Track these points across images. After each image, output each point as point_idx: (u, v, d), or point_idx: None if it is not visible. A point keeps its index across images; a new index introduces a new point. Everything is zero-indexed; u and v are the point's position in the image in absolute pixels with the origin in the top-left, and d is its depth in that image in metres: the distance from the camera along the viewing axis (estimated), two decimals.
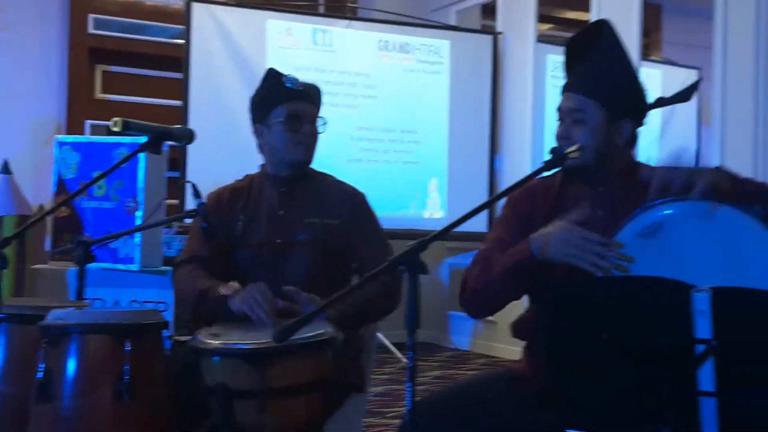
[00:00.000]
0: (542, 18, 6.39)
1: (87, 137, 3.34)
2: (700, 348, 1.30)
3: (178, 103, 5.49)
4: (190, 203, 3.15)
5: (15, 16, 5.82)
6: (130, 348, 1.90)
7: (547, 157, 1.91)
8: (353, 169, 5.58)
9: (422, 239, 1.70)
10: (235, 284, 2.26)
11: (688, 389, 1.34)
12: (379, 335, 5.28)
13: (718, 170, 1.77)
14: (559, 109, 2.05)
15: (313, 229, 2.45)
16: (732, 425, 1.35)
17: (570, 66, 2.09)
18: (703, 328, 1.29)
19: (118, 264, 3.13)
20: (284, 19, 5.68)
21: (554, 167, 1.89)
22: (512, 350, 5.40)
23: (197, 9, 5.41)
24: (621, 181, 2.01)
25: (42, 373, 1.88)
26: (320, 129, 2.51)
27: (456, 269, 6.33)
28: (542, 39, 6.25)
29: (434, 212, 5.80)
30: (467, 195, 5.77)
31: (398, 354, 5.40)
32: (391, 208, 5.67)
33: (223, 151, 5.05)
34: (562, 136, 2.01)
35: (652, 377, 1.38)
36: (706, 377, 1.33)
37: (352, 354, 2.40)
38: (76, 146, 3.24)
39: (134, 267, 3.14)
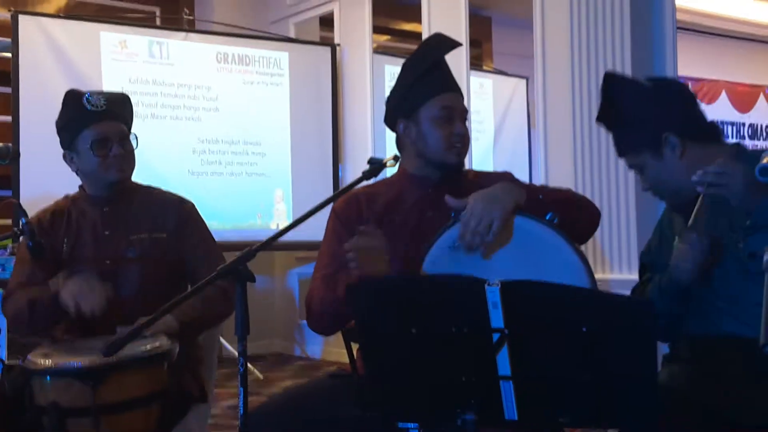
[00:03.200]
0: (379, 30, 6.62)
1: None
2: (496, 336, 1.45)
3: (7, 118, 5.29)
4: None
5: None
6: None
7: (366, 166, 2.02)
8: (196, 182, 5.56)
9: (248, 249, 1.78)
10: (59, 280, 2.24)
11: (489, 375, 1.49)
12: (230, 348, 5.29)
13: (514, 187, 1.92)
14: (449, 108, 2.11)
15: (141, 244, 2.45)
16: (528, 404, 1.51)
17: (435, 70, 2.14)
18: (497, 318, 1.44)
19: None
20: (118, 31, 5.57)
21: (373, 176, 2.00)
22: None
23: (24, 21, 5.23)
24: (453, 181, 2.15)
25: None
26: (133, 145, 2.49)
27: (305, 279, 6.40)
28: (380, 50, 6.46)
29: (281, 222, 5.86)
30: (312, 204, 5.77)
31: (250, 366, 5.42)
32: (237, 220, 5.69)
33: (58, 168, 4.84)
34: (462, 134, 2.10)
35: (458, 366, 1.51)
36: (503, 363, 1.48)
37: (191, 365, 2.43)
38: None
39: None
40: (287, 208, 5.95)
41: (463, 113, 2.16)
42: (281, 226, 5.94)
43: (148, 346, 1.99)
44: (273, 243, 1.92)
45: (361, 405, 1.68)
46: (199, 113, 5.74)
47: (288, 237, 2.02)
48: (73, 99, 2.46)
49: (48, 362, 1.95)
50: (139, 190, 2.57)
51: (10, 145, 2.32)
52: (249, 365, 5.62)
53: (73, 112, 2.45)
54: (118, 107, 2.50)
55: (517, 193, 1.88)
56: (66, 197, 2.56)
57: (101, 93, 2.48)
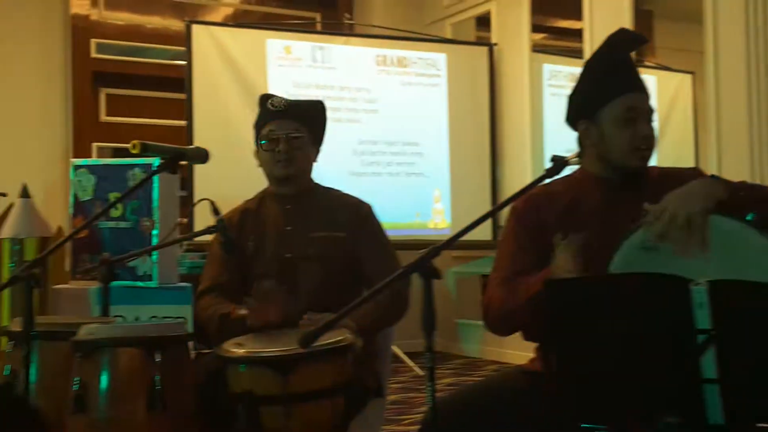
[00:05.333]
0: (536, 28, 6.52)
1: (101, 160, 3.44)
2: (701, 338, 1.40)
3: (181, 123, 5.61)
4: (200, 221, 3.25)
5: (19, 45, 5.94)
6: (159, 359, 1.99)
7: (548, 164, 1.98)
8: (356, 183, 5.68)
9: (434, 246, 1.79)
10: (249, 301, 2.35)
11: (692, 377, 1.44)
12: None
13: (713, 182, 1.85)
14: (633, 108, 2.04)
15: (321, 243, 2.54)
16: (735, 409, 1.44)
17: (620, 69, 2.09)
18: (703, 319, 1.39)
19: (137, 281, 3.23)
20: (283, 37, 5.80)
21: (555, 174, 1.96)
22: (523, 356, 5.44)
23: (197, 30, 5.54)
24: (636, 182, 2.08)
25: (77, 385, 1.97)
26: (304, 144, 2.58)
27: (462, 278, 6.42)
28: (537, 49, 6.37)
29: (439, 222, 5.91)
30: (470, 204, 5.89)
31: (410, 363, 5.49)
32: (396, 220, 5.77)
33: (228, 170, 5.13)
34: (648, 135, 2.04)
35: (658, 367, 1.47)
36: (708, 365, 1.42)
37: (368, 360, 2.48)
38: (91, 169, 3.34)
39: (153, 284, 3.23)
40: (445, 207, 5.98)
41: (649, 113, 2.06)
42: (439, 226, 6.02)
43: (334, 338, 2.05)
44: (444, 242, 1.90)
45: (552, 404, 1.65)
46: (359, 115, 5.87)
47: (445, 236, 2.01)
48: (262, 100, 2.64)
49: (242, 351, 2.04)
50: (320, 191, 2.67)
51: (203, 147, 2.43)
52: (409, 361, 5.70)
53: (260, 111, 2.63)
54: (299, 110, 2.62)
55: (718, 189, 1.79)
56: (256, 195, 2.69)
57: (291, 99, 2.61)
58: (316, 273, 2.52)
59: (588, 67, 2.12)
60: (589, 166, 2.13)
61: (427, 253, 1.78)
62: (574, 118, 2.14)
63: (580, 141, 2.13)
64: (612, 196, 2.08)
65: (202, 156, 2.45)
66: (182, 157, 2.39)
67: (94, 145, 6.24)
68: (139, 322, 2.83)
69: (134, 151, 2.24)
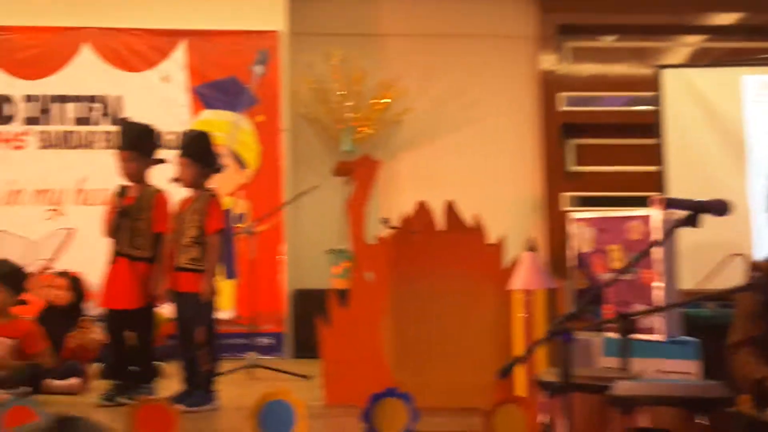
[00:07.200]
0: None
1: (599, 212, 3.53)
2: None
3: (649, 168, 5.54)
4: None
5: (491, 107, 6.42)
6: (703, 421, 1.92)
7: None
8: None
9: None
10: None
11: None
12: None
13: None
14: None
15: None
16: None
17: None
18: None
19: (642, 334, 3.20)
20: (762, 73, 5.42)
21: None
22: None
23: (665, 73, 5.46)
24: None
25: None
26: None
27: None
28: None
29: None
30: None
31: None
32: None
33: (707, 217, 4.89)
34: None
35: None
36: None
37: None
38: (590, 222, 3.43)
39: (659, 337, 3.17)
40: None
41: None
42: None
43: None
44: None
45: None
46: None
47: None
48: None
49: None
50: None
51: (724, 200, 2.32)
52: None
53: None
54: None
55: None
56: None
57: None
58: None
59: None
60: None
61: None
62: None
63: None
64: None
65: (724, 208, 2.35)
66: (704, 211, 2.32)
67: (562, 194, 6.44)
68: (652, 379, 2.79)
69: (659, 208, 2.24)
